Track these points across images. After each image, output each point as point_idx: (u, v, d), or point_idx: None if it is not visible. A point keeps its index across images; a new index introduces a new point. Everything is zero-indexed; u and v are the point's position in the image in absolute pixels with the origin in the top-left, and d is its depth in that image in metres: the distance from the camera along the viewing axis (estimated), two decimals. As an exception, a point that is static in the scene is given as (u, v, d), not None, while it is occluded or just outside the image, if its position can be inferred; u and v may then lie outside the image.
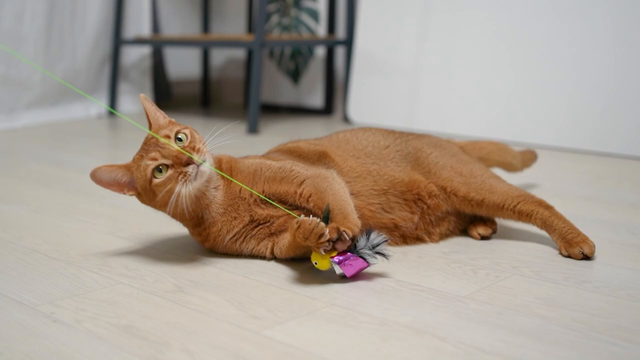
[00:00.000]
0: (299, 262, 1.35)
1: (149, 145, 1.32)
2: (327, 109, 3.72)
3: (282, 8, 3.85)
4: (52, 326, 1.08)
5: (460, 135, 2.88)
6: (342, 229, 1.20)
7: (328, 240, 1.19)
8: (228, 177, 1.36)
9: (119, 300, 1.18)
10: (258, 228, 1.36)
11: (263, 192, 1.36)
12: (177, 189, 1.27)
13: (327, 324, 1.08)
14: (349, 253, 1.23)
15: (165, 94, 4.16)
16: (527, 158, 1.90)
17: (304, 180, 1.34)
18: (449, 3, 3.06)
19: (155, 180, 1.29)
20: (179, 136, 1.32)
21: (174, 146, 1.29)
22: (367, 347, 1.01)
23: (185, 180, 1.27)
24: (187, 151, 1.29)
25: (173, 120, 1.40)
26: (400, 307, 1.15)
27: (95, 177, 1.33)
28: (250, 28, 4.08)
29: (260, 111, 3.22)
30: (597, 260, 1.39)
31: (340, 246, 1.21)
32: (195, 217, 1.36)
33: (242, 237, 1.36)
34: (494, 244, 1.50)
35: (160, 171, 1.29)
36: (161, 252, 1.45)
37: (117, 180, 1.34)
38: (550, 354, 0.99)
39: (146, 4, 3.79)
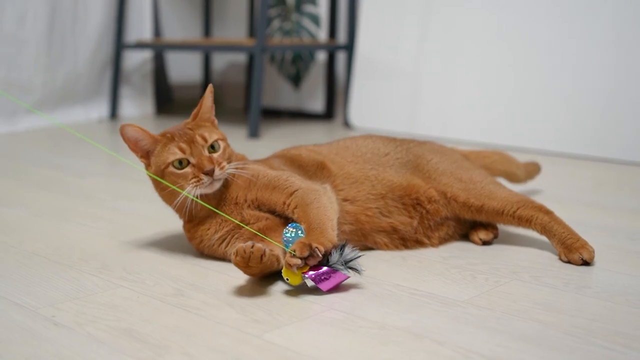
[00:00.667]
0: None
1: (185, 133, 1.36)
2: (328, 114, 3.73)
3: (283, 13, 3.86)
4: (52, 329, 1.08)
5: (461, 139, 2.88)
6: (314, 245, 1.20)
7: (300, 258, 1.19)
8: (217, 210, 1.38)
9: (119, 303, 1.19)
10: (243, 230, 1.36)
11: (256, 199, 1.37)
12: (186, 189, 1.33)
13: (326, 328, 1.09)
14: (324, 267, 1.22)
15: (167, 98, 4.17)
16: (531, 170, 1.90)
17: (295, 192, 1.35)
18: (450, 8, 3.07)
19: (171, 169, 1.34)
20: (214, 144, 1.37)
21: (206, 153, 1.35)
22: (366, 351, 1.01)
23: (196, 186, 1.33)
24: (212, 162, 1.34)
25: (215, 121, 1.44)
26: (399, 311, 1.15)
27: (123, 130, 1.37)
28: (252, 32, 4.08)
29: (261, 115, 3.23)
30: (596, 265, 1.39)
31: (312, 261, 1.21)
32: (189, 214, 1.39)
33: (229, 239, 1.37)
34: (493, 249, 1.50)
35: (181, 163, 1.34)
36: (161, 255, 1.45)
37: (139, 142, 1.38)
38: (549, 359, 0.99)
39: (148, 8, 3.80)
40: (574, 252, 1.38)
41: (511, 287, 1.27)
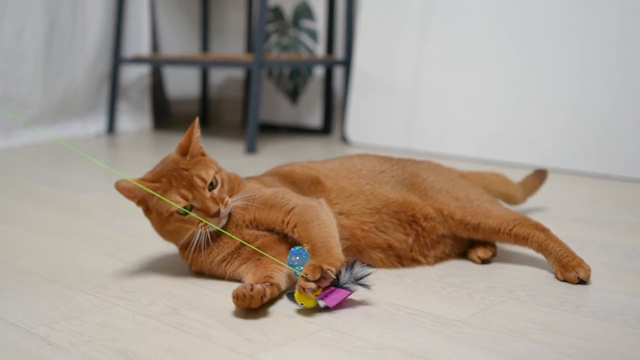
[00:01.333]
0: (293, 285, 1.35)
1: (182, 176, 1.33)
2: (326, 129, 3.73)
3: (281, 28, 3.87)
4: (47, 349, 1.08)
5: (459, 154, 2.89)
6: (325, 267, 1.20)
7: (313, 281, 1.19)
8: (228, 233, 1.37)
9: (115, 323, 1.18)
10: (242, 249, 1.36)
11: (254, 219, 1.37)
12: (195, 232, 1.33)
13: (321, 348, 1.08)
14: (331, 287, 1.22)
15: (164, 112, 4.18)
16: (529, 189, 1.90)
17: (292, 209, 1.35)
18: (447, 24, 3.08)
19: (176, 216, 1.33)
20: (212, 181, 1.35)
21: (207, 194, 1.32)
22: (362, 372, 1.01)
23: (205, 227, 1.32)
24: (216, 202, 1.32)
25: (203, 149, 1.41)
26: (396, 331, 1.15)
27: (118, 185, 1.35)
28: (250, 48, 4.10)
29: (258, 131, 3.23)
30: (593, 284, 1.39)
31: (324, 283, 1.21)
32: (187, 242, 1.37)
33: (229, 259, 1.37)
34: (489, 267, 1.50)
35: (184, 209, 1.32)
36: (158, 274, 1.45)
37: (133, 190, 1.36)
38: (545, 380, 0.99)
39: (146, 23, 3.81)
40: (570, 270, 1.38)
41: (507, 306, 1.26)
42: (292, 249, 1.29)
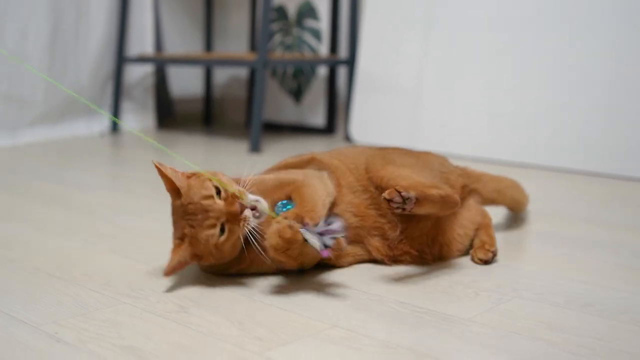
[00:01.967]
0: (302, 282, 1.36)
1: (195, 212, 1.29)
2: (329, 128, 3.74)
3: (285, 27, 3.88)
4: (55, 346, 1.08)
5: (462, 154, 2.89)
6: (306, 217, 1.25)
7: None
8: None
9: (122, 320, 1.19)
10: None
11: (273, 200, 1.37)
12: (243, 233, 1.30)
13: (329, 346, 1.08)
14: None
15: (168, 111, 4.18)
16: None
17: (295, 181, 1.38)
18: (451, 24, 3.08)
19: (221, 239, 1.29)
20: (213, 190, 1.30)
21: (220, 203, 1.28)
22: (370, 370, 1.01)
23: (248, 223, 1.29)
24: (231, 201, 1.28)
25: (188, 173, 1.36)
26: (403, 329, 1.15)
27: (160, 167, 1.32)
28: (253, 47, 4.10)
29: (262, 130, 3.24)
30: (599, 283, 1.39)
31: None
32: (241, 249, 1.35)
33: None
34: (495, 266, 1.50)
35: (222, 230, 1.29)
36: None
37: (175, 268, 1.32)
38: (553, 378, 0.99)
39: (149, 23, 3.81)
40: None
41: (514, 305, 1.26)
42: (280, 202, 1.35)
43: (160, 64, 3.92)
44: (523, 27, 2.87)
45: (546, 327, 1.16)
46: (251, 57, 3.28)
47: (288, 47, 3.88)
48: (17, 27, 3.23)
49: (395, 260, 1.48)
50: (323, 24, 3.71)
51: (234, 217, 1.28)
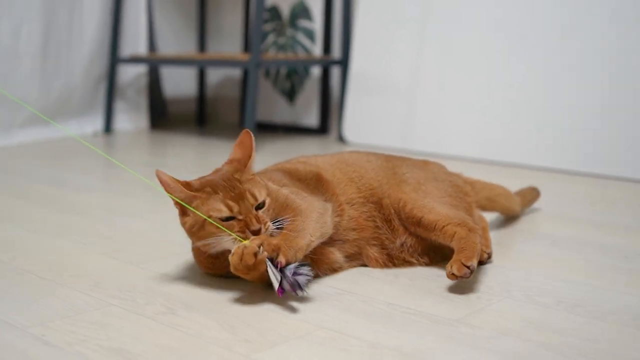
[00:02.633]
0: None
1: (234, 187, 1.30)
2: (323, 129, 3.74)
3: (278, 27, 3.87)
4: (42, 348, 1.08)
5: (456, 155, 2.89)
6: (281, 254, 1.23)
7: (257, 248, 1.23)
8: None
9: (110, 322, 1.18)
10: None
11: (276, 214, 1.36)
12: (225, 245, 1.29)
13: (317, 348, 1.08)
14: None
15: (161, 112, 4.17)
16: (526, 201, 1.91)
17: (298, 207, 1.36)
18: (445, 24, 3.08)
19: (213, 222, 1.29)
20: (261, 202, 1.32)
21: (254, 211, 1.30)
22: (358, 371, 1.01)
23: (234, 241, 1.28)
24: (259, 221, 1.29)
25: (255, 173, 1.37)
26: (391, 330, 1.15)
27: (159, 177, 1.30)
28: (247, 47, 4.09)
29: (255, 130, 3.23)
30: (589, 283, 1.39)
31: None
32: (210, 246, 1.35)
33: None
34: (485, 267, 1.50)
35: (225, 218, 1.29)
36: (154, 273, 1.44)
37: (175, 191, 1.31)
38: (540, 379, 0.99)
39: (143, 23, 3.80)
40: (452, 264, 1.33)
41: (503, 306, 1.26)
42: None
43: (154, 64, 3.91)
44: (518, 27, 2.87)
45: (535, 327, 1.16)
46: (244, 57, 3.28)
47: (281, 48, 3.87)
48: (10, 26, 3.22)
49: (393, 264, 1.48)
50: (316, 24, 3.71)
51: (246, 224, 1.29)
